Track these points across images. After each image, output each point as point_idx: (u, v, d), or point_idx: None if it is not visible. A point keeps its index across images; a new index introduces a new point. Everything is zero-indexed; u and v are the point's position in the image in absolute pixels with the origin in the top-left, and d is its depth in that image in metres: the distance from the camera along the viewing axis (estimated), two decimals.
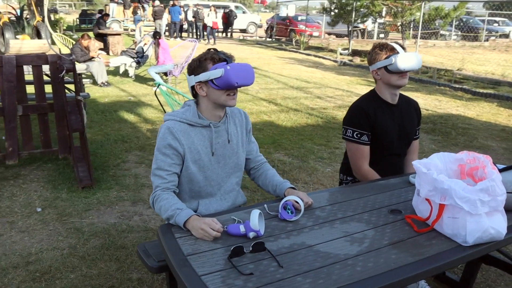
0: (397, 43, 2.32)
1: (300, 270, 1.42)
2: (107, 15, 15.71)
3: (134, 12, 20.21)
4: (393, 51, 2.27)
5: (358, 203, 1.94)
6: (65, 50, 8.78)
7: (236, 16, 21.52)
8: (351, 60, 13.45)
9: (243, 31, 25.10)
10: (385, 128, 2.36)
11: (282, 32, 20.32)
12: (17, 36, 12.35)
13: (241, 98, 7.91)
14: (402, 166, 2.52)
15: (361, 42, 17.98)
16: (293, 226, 1.72)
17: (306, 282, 1.36)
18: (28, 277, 2.65)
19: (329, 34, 20.44)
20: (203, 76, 1.83)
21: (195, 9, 19.25)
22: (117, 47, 13.37)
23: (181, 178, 1.94)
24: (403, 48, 2.29)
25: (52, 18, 20.01)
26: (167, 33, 19.71)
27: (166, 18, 18.34)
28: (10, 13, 25.51)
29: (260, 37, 22.74)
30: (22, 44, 10.89)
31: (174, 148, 1.86)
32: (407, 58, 2.22)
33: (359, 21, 15.24)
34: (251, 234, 1.61)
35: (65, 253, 2.91)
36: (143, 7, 20.53)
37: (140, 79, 9.58)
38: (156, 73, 8.50)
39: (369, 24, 19.33)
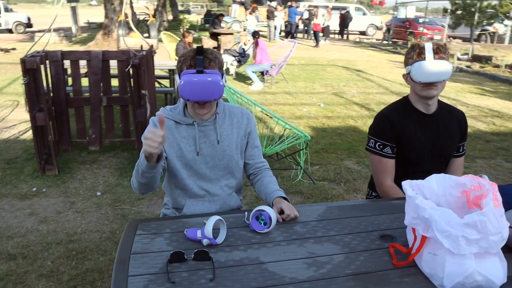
0: (436, 44, 1.98)
1: (235, 287, 1.28)
2: (222, 15, 16.36)
3: (253, 13, 20.81)
4: (419, 56, 1.95)
5: (351, 222, 1.70)
6: (172, 47, 9.36)
7: (351, 18, 20.92)
8: (469, 66, 12.19)
9: (362, 33, 24.33)
10: (413, 141, 2.06)
11: (399, 35, 19.24)
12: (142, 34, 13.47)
13: (333, 101, 7.65)
14: None
15: (488, 46, 16.16)
16: (260, 238, 1.57)
17: None
18: (64, 254, 2.84)
19: (454, 37, 18.79)
20: (177, 79, 1.78)
21: (309, 9, 19.17)
22: (228, 46, 13.87)
23: (167, 173, 1.91)
24: (437, 52, 1.93)
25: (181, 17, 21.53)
26: (282, 34, 19.94)
27: (280, 18, 18.54)
28: (146, 13, 28.10)
29: (377, 39, 21.82)
30: (136, 41, 11.90)
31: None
32: (427, 69, 1.90)
33: (484, 23, 13.68)
34: (205, 241, 1.50)
35: (104, 236, 3.08)
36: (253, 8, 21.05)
37: (240, 77, 9.81)
38: (252, 72, 8.64)
39: (500, 27, 17.28)
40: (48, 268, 2.68)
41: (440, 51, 1.96)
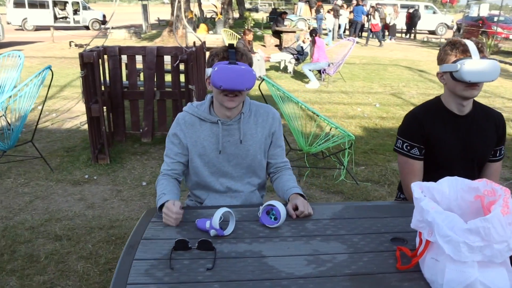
0: (478, 42, 1.88)
1: (225, 278, 1.31)
2: (285, 13, 16.38)
3: (317, 11, 20.62)
4: (464, 54, 1.84)
5: (365, 223, 1.66)
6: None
7: (420, 16, 20.07)
8: None
9: (432, 32, 23.28)
10: (443, 143, 1.96)
11: (471, 34, 18.16)
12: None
13: (389, 102, 7.43)
14: None
15: None
16: (268, 233, 1.58)
17: None
18: (105, 238, 3.01)
19: None
20: (207, 72, 1.81)
21: (376, 7, 18.62)
22: (290, 44, 13.87)
23: (189, 169, 1.96)
24: (481, 50, 1.84)
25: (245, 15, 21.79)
26: (346, 32, 19.59)
27: (345, 17, 18.21)
28: (213, 11, 28.72)
29: (446, 39, 20.76)
30: (200, 37, 12.19)
31: (179, 138, 1.89)
32: (477, 68, 1.79)
33: None
34: (212, 232, 1.54)
35: None
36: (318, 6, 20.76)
37: (298, 75, 9.78)
38: (309, 70, 8.58)
39: None
40: (88, 250, 2.85)
41: (483, 49, 1.85)
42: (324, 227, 1.63)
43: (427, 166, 2.04)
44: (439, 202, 1.39)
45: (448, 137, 1.97)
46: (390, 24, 17.99)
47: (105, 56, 4.66)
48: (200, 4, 25.61)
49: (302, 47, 9.58)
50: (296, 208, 1.71)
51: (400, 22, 19.77)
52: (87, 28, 24.55)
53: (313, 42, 8.51)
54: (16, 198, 3.57)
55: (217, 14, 19.97)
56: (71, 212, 3.36)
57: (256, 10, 50.91)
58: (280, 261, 1.40)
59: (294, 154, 4.68)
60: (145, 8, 22.07)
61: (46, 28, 18.88)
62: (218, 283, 1.28)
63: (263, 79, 3.88)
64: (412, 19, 19.68)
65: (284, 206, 1.64)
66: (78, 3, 24.74)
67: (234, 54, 1.75)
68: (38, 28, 22.50)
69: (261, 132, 1.93)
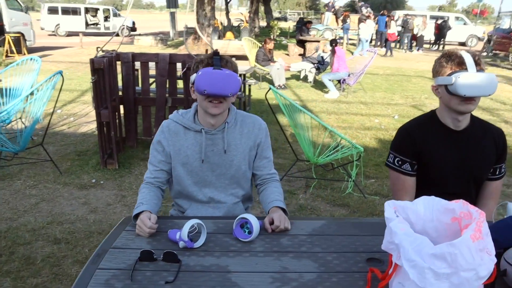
0: (475, 54, 1.79)
1: None
2: (310, 22, 16.34)
3: (344, 21, 20.48)
4: (460, 66, 1.75)
5: (343, 240, 1.59)
6: (253, 53, 9.52)
7: (450, 27, 19.66)
8: None
9: (462, 44, 22.77)
10: (437, 159, 1.87)
11: (502, 46, 17.67)
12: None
13: (409, 114, 7.26)
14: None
15: None
16: (240, 247, 1.53)
17: None
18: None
19: None
20: (191, 78, 1.79)
21: (404, 18, 18.38)
22: (317, 54, 13.78)
23: (172, 178, 1.93)
24: (478, 63, 1.75)
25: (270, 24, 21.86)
26: (373, 43, 19.37)
27: (372, 27, 18.02)
28: (241, 20, 28.97)
29: (476, 51, 20.25)
30: (223, 44, 12.31)
31: (162, 146, 1.86)
32: (473, 81, 1.70)
33: None
34: (181, 244, 1.50)
35: None
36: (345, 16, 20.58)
37: (318, 85, 9.69)
38: (329, 80, 8.49)
39: None
40: (84, 255, 2.86)
41: (480, 62, 1.76)
42: (300, 243, 1.57)
43: (420, 183, 1.95)
44: (414, 223, 1.31)
45: (442, 153, 1.88)
46: (418, 35, 17.70)
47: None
48: (227, 13, 25.87)
49: (322, 57, 9.50)
50: (272, 222, 1.66)
51: (429, 33, 19.42)
52: (116, 34, 25.08)
53: (333, 52, 8.43)
54: (22, 200, 3.63)
55: (244, 22, 20.08)
56: (74, 216, 3.38)
57: (285, 19, 51.06)
58: (245, 277, 1.35)
59: (304, 165, 4.61)
60: (173, 15, 22.43)
61: (78, 34, 19.39)
62: None
63: (270, 88, 3.83)
64: (441, 30, 19.30)
65: (257, 220, 1.59)
66: (108, 10, 25.37)
67: (218, 61, 1.73)
68: (69, 34, 23.15)
69: (246, 143, 1.89)
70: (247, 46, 9.58)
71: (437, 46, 20.62)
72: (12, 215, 3.36)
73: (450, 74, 1.76)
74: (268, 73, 9.22)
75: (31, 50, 13.77)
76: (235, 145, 1.87)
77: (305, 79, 10.10)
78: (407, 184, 1.93)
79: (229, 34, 15.72)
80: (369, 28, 17.55)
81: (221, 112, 1.79)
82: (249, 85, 7.27)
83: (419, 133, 1.90)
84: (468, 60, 1.74)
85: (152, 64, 5.04)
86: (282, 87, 9.09)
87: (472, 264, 1.06)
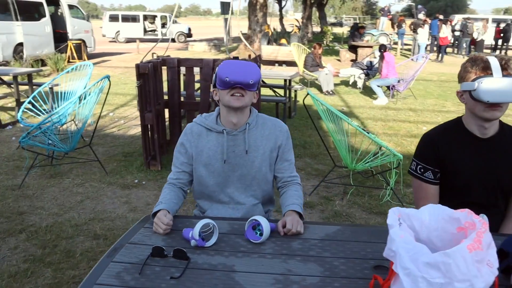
0: (503, 59, 1.73)
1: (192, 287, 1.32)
2: (363, 27, 16.06)
3: (399, 26, 19.99)
4: (485, 71, 1.70)
5: (355, 247, 1.58)
6: (301, 58, 9.53)
7: None
8: None
9: None
10: (461, 168, 1.81)
11: None
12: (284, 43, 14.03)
13: None
14: (493, 223, 1.86)
15: None
16: (250, 248, 1.56)
17: None
18: None
19: None
20: (213, 80, 1.85)
21: (464, 22, 17.64)
22: (368, 59, 13.55)
23: (194, 179, 1.99)
24: (505, 67, 1.68)
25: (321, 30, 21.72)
26: (428, 48, 18.73)
27: (427, 32, 17.44)
28: (296, 25, 28.99)
29: None
30: (272, 50, 12.38)
31: (185, 148, 1.93)
32: (497, 86, 1.64)
33: None
34: (192, 242, 1.56)
35: None
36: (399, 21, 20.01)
37: (368, 91, 9.52)
38: (378, 86, 8.33)
39: None
40: None
41: (508, 66, 1.70)
42: (310, 247, 1.57)
43: (443, 192, 1.90)
44: (418, 232, 1.28)
45: (467, 161, 1.82)
46: (478, 40, 16.92)
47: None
48: (281, 18, 25.98)
49: (371, 62, 9.33)
50: (285, 226, 1.68)
51: (489, 38, 18.51)
52: (173, 40, 25.93)
53: (382, 57, 8.26)
54: (69, 197, 3.86)
55: (298, 28, 20.09)
56: (114, 214, 3.55)
57: (340, 24, 50.52)
58: (248, 277, 1.38)
59: (344, 171, 4.56)
60: (226, 22, 22.87)
61: (141, 40, 20.18)
62: None
63: (308, 93, 3.84)
64: (505, 34, 18.33)
65: (269, 222, 1.61)
66: (166, 17, 26.29)
67: (237, 58, 1.82)
68: (129, 40, 24.20)
69: (267, 144, 1.92)
70: (295, 51, 9.60)
71: (498, 50, 19.61)
72: (58, 211, 3.58)
73: (474, 80, 1.70)
74: (317, 79, 9.19)
75: (91, 56, 14.55)
76: (256, 146, 1.91)
77: (354, 85, 9.95)
78: (429, 192, 1.88)
79: (282, 41, 15.81)
80: (427, 33, 17.02)
81: (243, 106, 1.82)
82: (295, 91, 7.29)
83: (443, 140, 1.85)
84: (494, 64, 1.68)
85: (197, 70, 5.19)
86: (330, 93, 9.02)
87: (467, 275, 1.04)
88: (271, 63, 13.62)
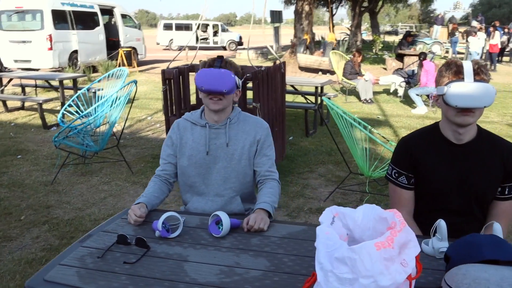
0: (478, 63, 1.71)
1: (135, 272, 1.42)
2: (411, 35, 15.69)
3: (452, 34, 19.33)
4: (457, 75, 1.69)
5: (310, 245, 1.61)
6: (340, 66, 9.49)
7: None
8: None
9: None
10: (434, 174, 1.80)
11: None
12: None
13: (502, 133, 6.66)
14: (470, 231, 1.82)
15: None
16: (210, 241, 1.65)
17: (127, 283, 1.37)
18: None
19: None
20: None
21: None
22: (411, 67, 13.22)
23: (178, 169, 2.11)
24: (478, 72, 1.67)
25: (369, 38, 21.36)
26: (483, 57, 17.95)
27: (483, 40, 16.72)
28: (346, 34, 28.71)
29: None
30: (306, 58, 12.38)
31: (172, 140, 2.08)
32: (465, 91, 1.64)
33: None
34: (157, 233, 1.67)
35: None
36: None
37: (409, 99, 9.28)
38: (416, 95, 8.13)
39: None
40: None
41: (481, 71, 1.69)
42: (267, 244, 1.63)
43: (418, 198, 1.89)
44: (352, 231, 1.32)
45: (441, 168, 1.81)
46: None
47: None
48: (331, 27, 25.83)
49: (413, 71, 9.12)
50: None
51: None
52: (224, 48, 26.49)
53: (420, 66, 8.06)
54: (95, 194, 4.10)
55: (327, 37, 19.82)
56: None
57: (395, 33, 49.30)
58: (196, 267, 1.46)
59: (364, 179, 4.52)
60: (276, 30, 23.07)
61: (190, 48, 20.77)
62: (126, 276, 1.41)
63: (322, 99, 3.86)
64: None
65: (229, 218, 1.69)
66: (218, 25, 26.93)
67: (219, 62, 1.94)
68: (181, 48, 24.99)
69: (246, 139, 2.03)
70: (334, 60, 9.56)
71: None
72: (82, 206, 3.82)
73: (446, 84, 1.70)
74: (355, 87, 9.10)
75: (141, 63, 15.20)
76: (237, 140, 2.03)
77: (395, 93, 9.76)
78: (403, 197, 1.88)
79: (317, 53, 15.73)
80: (479, 41, 16.31)
81: (221, 108, 1.97)
82: (328, 98, 7.27)
83: (417, 145, 1.85)
84: (467, 69, 1.67)
85: None
86: (369, 101, 8.90)
87: (371, 272, 1.07)
88: (315, 71, 13.61)
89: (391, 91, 9.90)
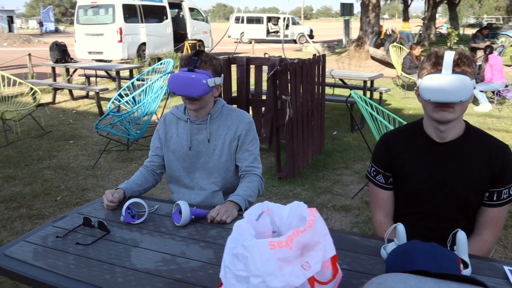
0: (461, 54, 1.56)
1: (84, 254, 1.50)
2: (487, 28, 14.57)
3: None
4: (435, 67, 1.55)
5: None
6: (396, 60, 9.11)
7: None
8: None
9: None
10: (413, 173, 1.68)
11: None
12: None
13: None
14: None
15: None
16: (170, 230, 1.69)
17: (71, 263, 1.45)
18: None
19: None
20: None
21: None
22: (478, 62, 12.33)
23: (165, 163, 2.17)
24: (459, 64, 1.53)
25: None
26: None
27: None
28: (420, 26, 27.31)
29: None
30: (373, 51, 11.93)
31: (159, 134, 2.14)
32: (436, 84, 1.51)
33: None
34: (121, 218, 1.74)
35: None
36: None
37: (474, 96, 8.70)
38: (481, 91, 7.59)
39: None
40: None
41: (463, 63, 1.52)
42: (223, 236, 1.64)
43: (398, 198, 1.79)
44: (279, 228, 1.29)
45: (420, 167, 1.69)
46: None
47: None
48: (406, 19, 24.75)
49: (479, 65, 8.49)
50: None
51: None
52: (294, 41, 26.38)
53: (486, 60, 7.48)
54: (128, 178, 4.31)
55: (394, 32, 18.93)
56: (157, 197, 3.89)
57: (480, 25, 46.09)
58: (142, 253, 1.51)
59: None
60: (347, 23, 22.54)
61: (260, 41, 20.94)
62: (75, 256, 1.49)
63: (350, 93, 3.75)
64: None
65: (189, 208, 1.72)
66: (289, 18, 26.84)
67: (194, 62, 1.93)
68: (251, 41, 25.25)
69: (227, 134, 2.05)
70: (393, 53, 9.18)
71: None
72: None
73: (426, 75, 1.58)
74: (414, 82, 8.68)
75: None
76: (218, 135, 2.05)
77: None
78: (380, 197, 1.79)
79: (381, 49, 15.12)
80: None
81: (197, 108, 1.99)
82: (380, 93, 7.01)
83: (396, 142, 1.74)
84: (447, 60, 1.52)
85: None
86: None
87: (260, 271, 1.04)
88: (388, 64, 13.11)
89: None
